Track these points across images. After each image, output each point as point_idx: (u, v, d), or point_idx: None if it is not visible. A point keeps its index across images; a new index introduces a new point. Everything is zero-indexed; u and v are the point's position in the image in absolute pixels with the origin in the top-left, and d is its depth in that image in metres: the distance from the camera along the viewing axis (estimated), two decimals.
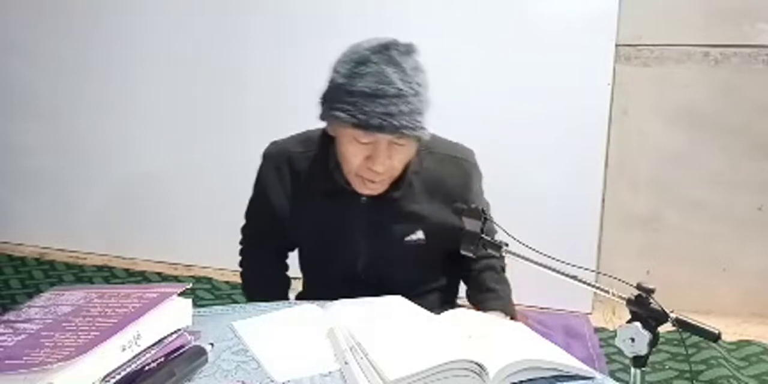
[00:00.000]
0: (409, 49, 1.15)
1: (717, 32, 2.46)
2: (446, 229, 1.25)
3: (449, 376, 0.90)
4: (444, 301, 1.39)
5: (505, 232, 1.17)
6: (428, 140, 1.28)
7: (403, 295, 1.19)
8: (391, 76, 1.10)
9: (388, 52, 1.12)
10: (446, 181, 1.30)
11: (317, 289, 1.39)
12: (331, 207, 1.29)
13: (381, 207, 1.27)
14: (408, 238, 1.30)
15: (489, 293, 1.34)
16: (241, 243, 1.49)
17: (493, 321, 1.16)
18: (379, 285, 1.24)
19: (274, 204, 1.34)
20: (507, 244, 1.09)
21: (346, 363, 0.95)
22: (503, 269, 1.42)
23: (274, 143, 1.38)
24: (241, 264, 1.49)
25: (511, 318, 1.30)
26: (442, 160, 1.31)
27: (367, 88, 1.10)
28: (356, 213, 1.28)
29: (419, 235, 1.30)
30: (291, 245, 1.44)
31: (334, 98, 1.15)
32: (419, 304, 1.15)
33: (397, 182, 1.26)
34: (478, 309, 1.32)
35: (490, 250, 1.11)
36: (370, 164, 1.16)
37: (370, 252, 1.31)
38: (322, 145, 1.28)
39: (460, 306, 1.32)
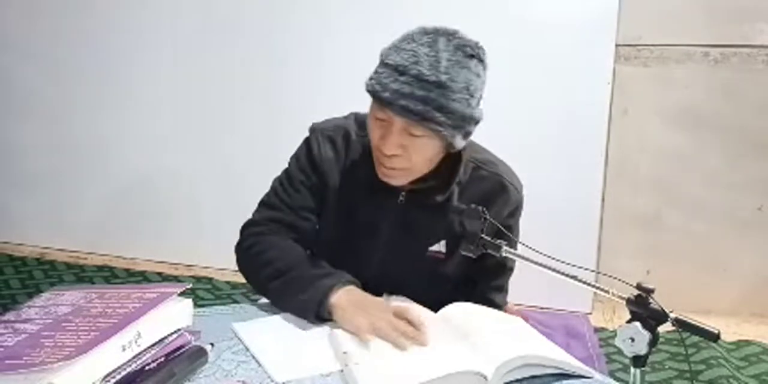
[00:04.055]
0: (461, 43, 1.07)
1: (717, 32, 2.46)
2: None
3: (450, 379, 0.90)
4: None
5: (505, 231, 1.17)
6: (480, 157, 1.24)
7: None
8: (421, 58, 1.04)
9: (435, 36, 1.07)
10: (478, 196, 1.21)
11: None
12: (367, 198, 1.22)
13: (416, 210, 1.21)
14: (431, 248, 1.24)
15: None
16: (244, 232, 1.27)
17: (492, 317, 1.15)
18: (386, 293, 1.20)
19: (327, 177, 1.23)
20: (507, 244, 1.08)
21: (346, 365, 0.96)
22: None
23: (323, 121, 1.28)
24: (239, 250, 1.26)
25: None
26: (486, 180, 1.23)
27: (394, 61, 1.06)
28: (390, 210, 1.22)
29: (441, 247, 1.24)
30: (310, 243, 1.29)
31: (375, 68, 1.12)
32: None
33: (441, 187, 1.19)
34: None
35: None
36: (381, 144, 1.11)
37: (388, 256, 1.24)
38: None
39: None
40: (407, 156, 1.11)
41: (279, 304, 1.16)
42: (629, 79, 2.53)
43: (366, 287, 1.19)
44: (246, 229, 1.27)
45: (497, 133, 2.45)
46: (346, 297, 1.08)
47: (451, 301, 1.22)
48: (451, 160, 1.19)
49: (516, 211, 1.26)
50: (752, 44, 2.45)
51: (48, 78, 3.03)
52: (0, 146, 3.16)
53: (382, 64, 1.09)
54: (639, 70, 2.54)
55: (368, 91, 1.10)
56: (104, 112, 2.99)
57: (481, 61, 1.10)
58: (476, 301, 1.26)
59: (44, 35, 2.99)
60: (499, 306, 1.31)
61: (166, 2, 2.82)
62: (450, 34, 1.08)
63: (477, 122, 1.13)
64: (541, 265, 0.98)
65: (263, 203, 1.29)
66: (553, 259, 0.99)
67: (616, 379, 1.04)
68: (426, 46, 1.06)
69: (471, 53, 1.08)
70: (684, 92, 2.53)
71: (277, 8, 2.70)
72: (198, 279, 2.81)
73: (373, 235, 1.24)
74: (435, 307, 1.16)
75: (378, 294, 1.18)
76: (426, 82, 1.04)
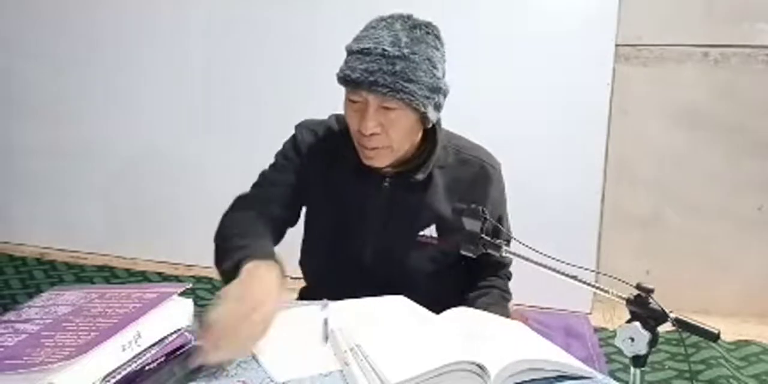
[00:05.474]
0: (416, 23, 1.16)
1: (717, 32, 2.46)
2: (457, 232, 1.22)
3: (450, 378, 0.90)
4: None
5: (505, 231, 1.17)
6: (459, 143, 1.32)
7: (420, 300, 1.16)
8: (382, 38, 1.13)
9: (392, 20, 1.16)
10: (467, 182, 1.29)
11: (320, 283, 1.36)
12: (353, 185, 1.27)
13: (402, 193, 1.26)
14: (422, 233, 1.28)
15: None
16: (231, 207, 1.36)
17: (493, 320, 1.15)
18: (388, 283, 1.21)
19: (311, 162, 1.29)
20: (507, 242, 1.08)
21: (346, 364, 0.95)
22: (506, 299, 1.37)
23: (306, 120, 1.37)
24: (220, 225, 1.36)
25: None
26: (467, 161, 1.30)
27: (358, 47, 1.14)
28: (376, 195, 1.27)
29: (432, 231, 1.28)
30: (290, 222, 1.35)
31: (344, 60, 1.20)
32: (440, 311, 1.13)
33: (420, 167, 1.24)
34: None
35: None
36: (360, 126, 1.16)
37: (381, 241, 1.28)
38: None
39: None
40: (386, 133, 1.17)
41: None
42: (629, 79, 2.53)
43: (365, 273, 1.26)
44: (232, 206, 1.39)
45: (498, 132, 2.46)
46: (236, 282, 1.03)
47: (456, 288, 1.27)
48: (429, 142, 1.26)
49: (501, 184, 1.36)
50: (752, 44, 2.45)
51: (48, 79, 3.02)
52: (0, 146, 3.16)
53: (349, 53, 1.17)
54: (639, 70, 2.54)
55: (339, 78, 1.17)
56: (104, 112, 2.99)
57: (437, 37, 1.19)
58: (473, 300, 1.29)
59: (45, 36, 2.99)
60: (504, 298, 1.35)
61: (169, 2, 2.82)
62: (405, 17, 1.17)
63: (445, 94, 1.20)
64: (541, 265, 0.98)
65: (253, 184, 1.37)
66: (553, 259, 0.99)
67: (616, 379, 1.04)
68: (385, 29, 1.15)
69: (426, 31, 1.17)
70: (684, 92, 2.53)
71: (276, 11, 2.70)
72: (198, 279, 2.81)
73: (363, 220, 1.28)
74: (442, 294, 1.19)
75: (378, 280, 1.20)
76: (390, 58, 1.12)
